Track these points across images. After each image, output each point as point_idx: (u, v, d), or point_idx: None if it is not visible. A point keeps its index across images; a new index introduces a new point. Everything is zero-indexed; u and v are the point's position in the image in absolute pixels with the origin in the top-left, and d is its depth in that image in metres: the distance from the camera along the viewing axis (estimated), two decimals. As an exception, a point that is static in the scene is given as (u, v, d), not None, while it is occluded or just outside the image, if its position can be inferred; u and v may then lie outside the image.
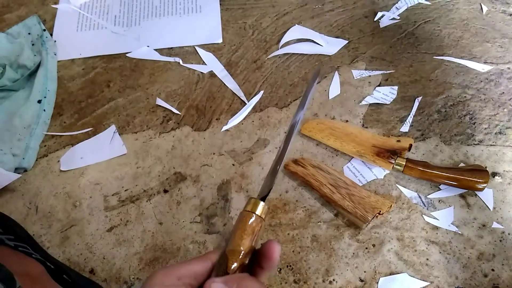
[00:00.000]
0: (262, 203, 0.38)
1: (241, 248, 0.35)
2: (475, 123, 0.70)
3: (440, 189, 0.64)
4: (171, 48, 0.85)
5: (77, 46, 0.86)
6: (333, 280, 0.58)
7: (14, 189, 0.69)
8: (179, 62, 0.82)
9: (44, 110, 0.76)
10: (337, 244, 0.61)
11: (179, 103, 0.77)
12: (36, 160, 0.72)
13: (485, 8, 0.84)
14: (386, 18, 0.85)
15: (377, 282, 0.58)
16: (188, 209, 0.66)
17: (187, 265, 0.35)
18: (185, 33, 0.86)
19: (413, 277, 0.58)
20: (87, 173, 0.70)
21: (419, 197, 0.64)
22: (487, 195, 0.63)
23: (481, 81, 0.75)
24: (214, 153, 0.71)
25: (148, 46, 0.85)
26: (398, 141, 0.67)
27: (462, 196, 0.64)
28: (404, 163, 0.64)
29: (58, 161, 0.72)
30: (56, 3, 0.93)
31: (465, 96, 0.73)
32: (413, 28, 0.83)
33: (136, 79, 0.81)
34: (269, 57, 0.82)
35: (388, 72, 0.77)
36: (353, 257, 0.60)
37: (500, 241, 0.60)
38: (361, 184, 0.66)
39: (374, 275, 0.58)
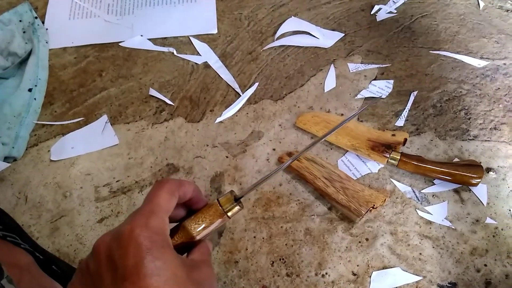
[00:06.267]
0: (237, 207, 0.37)
1: (195, 234, 0.35)
2: (470, 118, 0.70)
3: (434, 184, 0.64)
4: (165, 38, 0.84)
5: (69, 35, 0.85)
6: (326, 273, 0.58)
7: (3, 178, 0.68)
8: (173, 52, 0.81)
9: (35, 98, 0.75)
10: (330, 237, 0.61)
11: (173, 94, 0.76)
12: (26, 149, 0.71)
13: (482, 4, 0.84)
14: (383, 12, 0.84)
15: (370, 276, 0.58)
16: (181, 201, 0.65)
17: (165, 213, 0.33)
18: (180, 23, 0.85)
19: (406, 271, 0.58)
20: (78, 163, 0.69)
21: (413, 191, 0.64)
22: (481, 191, 0.63)
23: (477, 77, 0.74)
24: (207, 145, 0.70)
25: (141, 36, 0.83)
26: (393, 135, 0.67)
27: (456, 191, 0.64)
28: (399, 157, 0.64)
29: (49, 150, 0.71)
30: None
31: (460, 91, 0.73)
32: (410, 22, 0.82)
33: (129, 68, 0.80)
34: (264, 48, 0.81)
35: (384, 66, 0.77)
36: (346, 251, 0.60)
37: (493, 236, 0.60)
38: (355, 178, 0.65)
39: (367, 269, 0.58)
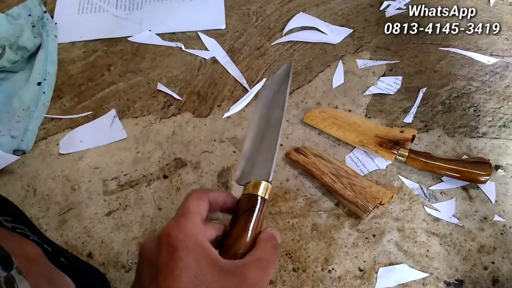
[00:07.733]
0: (263, 185, 0.38)
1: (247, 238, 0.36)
2: (479, 115, 0.70)
3: (442, 181, 0.64)
4: (173, 33, 0.84)
5: (78, 29, 0.85)
6: (332, 269, 0.58)
7: (12, 171, 0.69)
8: (181, 47, 0.81)
9: (44, 92, 0.75)
10: (337, 233, 0.61)
11: (181, 89, 0.76)
12: (35, 142, 0.72)
13: (492, 0, 0.83)
14: (392, 8, 0.84)
15: (377, 272, 0.58)
16: (188, 195, 0.65)
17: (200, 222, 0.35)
18: (188, 18, 0.85)
19: (413, 268, 0.58)
20: (86, 156, 0.70)
21: (421, 188, 0.64)
22: (489, 188, 0.63)
23: (486, 74, 0.74)
24: (215, 140, 0.70)
25: (150, 31, 0.84)
26: (401, 131, 0.67)
27: (464, 188, 0.63)
28: (407, 154, 0.64)
29: (57, 144, 0.71)
30: (57, -16, 0.91)
31: (469, 88, 0.73)
32: (419, 18, 0.82)
33: (137, 63, 0.80)
34: (272, 44, 0.81)
35: (392, 62, 0.76)
36: (353, 247, 0.60)
37: (501, 234, 0.59)
38: (362, 174, 0.65)
39: (374, 265, 0.58)
